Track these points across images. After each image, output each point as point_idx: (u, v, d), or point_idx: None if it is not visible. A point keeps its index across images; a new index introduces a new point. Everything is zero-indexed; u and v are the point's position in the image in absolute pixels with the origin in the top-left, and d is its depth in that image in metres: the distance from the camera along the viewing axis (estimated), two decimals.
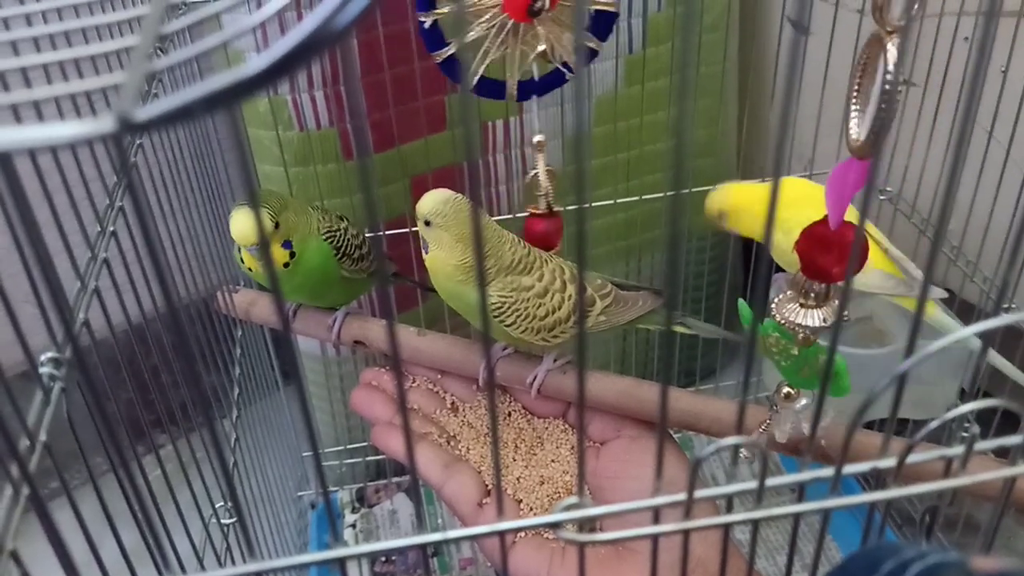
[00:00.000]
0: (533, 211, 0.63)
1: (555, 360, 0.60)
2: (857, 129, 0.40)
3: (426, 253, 0.57)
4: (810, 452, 0.31)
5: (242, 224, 0.57)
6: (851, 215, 0.67)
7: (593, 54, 0.60)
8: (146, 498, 0.32)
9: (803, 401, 0.49)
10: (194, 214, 0.65)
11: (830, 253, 0.43)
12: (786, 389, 0.49)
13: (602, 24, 0.58)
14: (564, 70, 0.58)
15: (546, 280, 0.56)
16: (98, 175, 0.48)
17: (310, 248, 0.60)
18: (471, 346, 0.62)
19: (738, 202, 0.70)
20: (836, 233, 0.43)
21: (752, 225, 0.69)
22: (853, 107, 0.40)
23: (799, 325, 0.45)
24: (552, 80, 0.59)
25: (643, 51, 0.87)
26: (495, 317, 0.56)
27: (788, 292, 0.46)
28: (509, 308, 0.55)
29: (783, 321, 0.46)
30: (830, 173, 0.43)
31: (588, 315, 0.58)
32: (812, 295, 0.45)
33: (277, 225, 0.57)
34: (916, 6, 0.36)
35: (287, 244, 0.59)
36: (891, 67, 0.35)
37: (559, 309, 0.56)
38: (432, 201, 0.55)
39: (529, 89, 0.60)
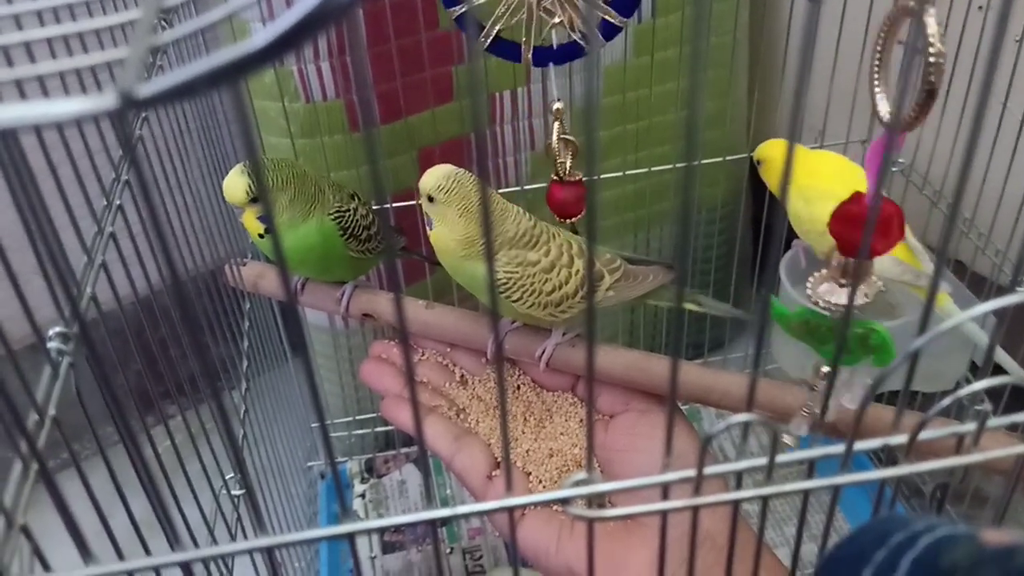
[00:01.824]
0: (554, 178, 0.63)
1: (564, 334, 0.60)
2: (885, 105, 0.40)
3: (431, 229, 0.57)
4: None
5: (227, 182, 0.58)
6: (861, 184, 0.66)
7: (615, 29, 0.59)
8: (155, 470, 0.33)
9: (844, 377, 0.49)
10: (201, 186, 0.65)
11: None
12: (825, 368, 0.49)
13: (626, 2, 0.57)
14: (582, 43, 0.58)
15: (553, 255, 0.56)
16: (103, 148, 0.48)
17: (304, 229, 0.60)
18: (479, 319, 0.62)
19: (772, 154, 0.72)
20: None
21: (776, 181, 0.71)
22: (876, 84, 0.40)
23: (837, 305, 0.45)
24: (571, 50, 0.59)
25: (652, 21, 0.86)
26: (501, 293, 0.55)
27: (820, 273, 0.46)
28: (515, 284, 0.55)
29: (820, 303, 0.45)
30: (868, 148, 0.42)
31: (596, 290, 0.58)
32: (849, 273, 0.44)
33: (256, 199, 0.58)
34: None
35: (264, 219, 0.59)
36: (932, 38, 0.34)
37: (566, 284, 0.56)
38: (434, 176, 0.55)
39: (547, 56, 0.59)
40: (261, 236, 0.60)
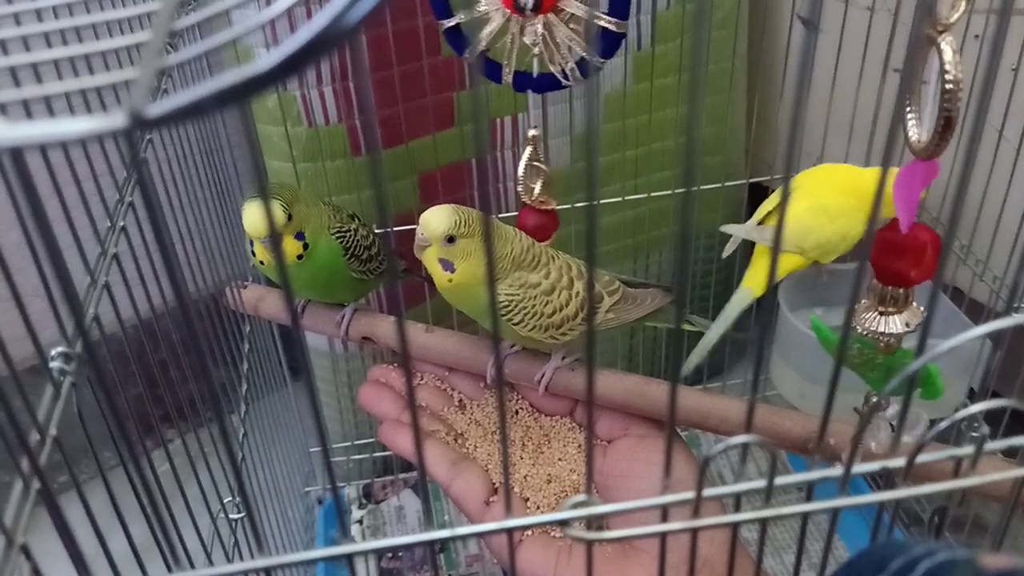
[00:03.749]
0: (526, 202, 0.64)
1: (563, 358, 0.60)
2: (916, 131, 0.40)
3: (452, 273, 0.55)
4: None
5: (255, 216, 0.56)
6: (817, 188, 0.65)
7: (596, 69, 0.60)
8: (155, 492, 0.33)
9: (894, 408, 0.49)
10: (203, 209, 0.65)
11: (904, 257, 0.42)
12: (875, 398, 0.49)
13: (607, 42, 0.58)
14: (560, 77, 0.58)
15: (553, 277, 0.56)
16: (108, 169, 0.48)
17: (322, 241, 0.60)
18: (479, 343, 0.62)
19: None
20: (909, 236, 0.43)
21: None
22: (908, 111, 0.40)
23: (880, 333, 0.45)
24: (548, 81, 0.59)
25: (652, 48, 0.87)
26: (503, 316, 0.55)
27: (865, 300, 0.46)
28: (516, 306, 0.55)
29: (864, 331, 0.45)
30: (896, 176, 0.42)
31: (596, 312, 0.58)
32: (891, 301, 0.44)
33: (290, 217, 0.57)
34: (965, 2, 0.36)
35: (300, 236, 0.58)
36: (948, 66, 0.35)
37: (567, 306, 0.56)
38: (444, 218, 0.54)
39: (527, 83, 0.60)
40: (300, 258, 0.59)
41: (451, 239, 0.54)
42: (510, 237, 0.56)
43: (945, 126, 0.37)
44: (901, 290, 0.44)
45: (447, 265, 0.55)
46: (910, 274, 0.43)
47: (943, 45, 0.35)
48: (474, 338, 0.63)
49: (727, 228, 0.72)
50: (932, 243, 0.43)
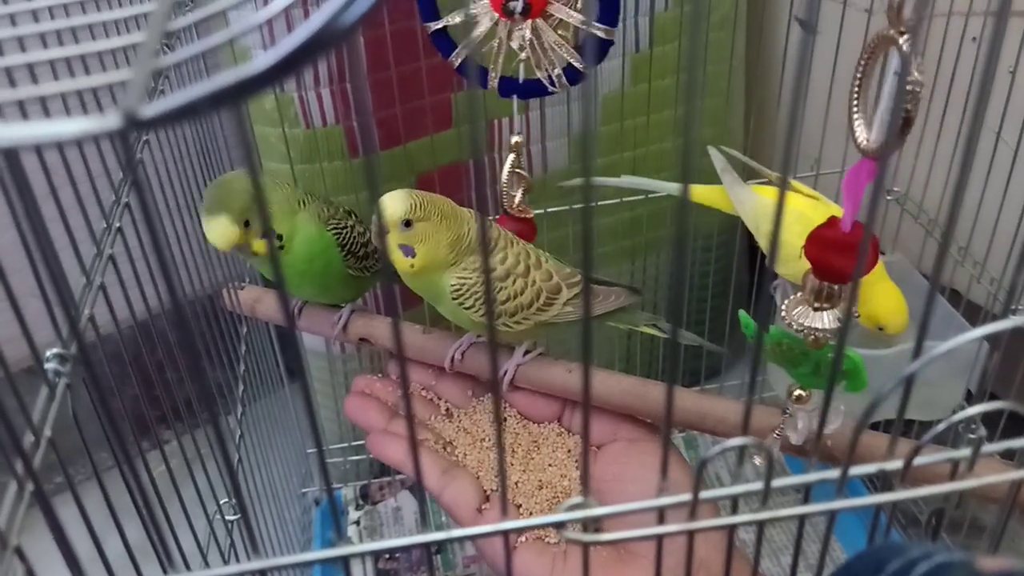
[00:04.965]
0: (504, 210, 0.64)
1: (526, 353, 0.60)
2: (863, 131, 0.40)
3: (412, 258, 0.55)
4: (817, 451, 0.31)
5: (213, 233, 0.55)
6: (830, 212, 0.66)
7: (581, 75, 0.59)
8: (150, 494, 0.32)
9: (816, 401, 0.49)
10: (200, 210, 0.65)
11: (845, 254, 0.43)
12: (797, 391, 0.49)
13: (595, 48, 0.57)
14: (546, 83, 0.58)
15: (509, 263, 0.56)
16: (104, 171, 0.48)
17: (302, 230, 0.59)
18: (476, 345, 0.62)
19: None
20: (851, 234, 0.43)
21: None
22: (855, 110, 0.40)
23: (810, 328, 0.45)
24: (535, 87, 0.59)
25: (650, 50, 0.87)
26: (454, 299, 0.55)
27: (795, 296, 0.46)
28: (468, 290, 0.55)
29: (794, 326, 0.45)
30: (844, 175, 0.43)
31: (553, 303, 0.58)
32: (825, 297, 0.45)
33: (247, 223, 0.55)
34: (928, 5, 0.36)
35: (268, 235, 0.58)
36: (909, 66, 0.35)
37: (521, 295, 0.56)
38: (399, 202, 0.54)
39: (512, 88, 0.60)
40: (282, 247, 0.59)
41: (408, 223, 0.54)
42: (466, 218, 0.56)
43: (904, 126, 0.37)
44: (836, 286, 0.44)
45: (407, 251, 0.55)
46: (849, 271, 0.43)
47: (904, 46, 0.36)
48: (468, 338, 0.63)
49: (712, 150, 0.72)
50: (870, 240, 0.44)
